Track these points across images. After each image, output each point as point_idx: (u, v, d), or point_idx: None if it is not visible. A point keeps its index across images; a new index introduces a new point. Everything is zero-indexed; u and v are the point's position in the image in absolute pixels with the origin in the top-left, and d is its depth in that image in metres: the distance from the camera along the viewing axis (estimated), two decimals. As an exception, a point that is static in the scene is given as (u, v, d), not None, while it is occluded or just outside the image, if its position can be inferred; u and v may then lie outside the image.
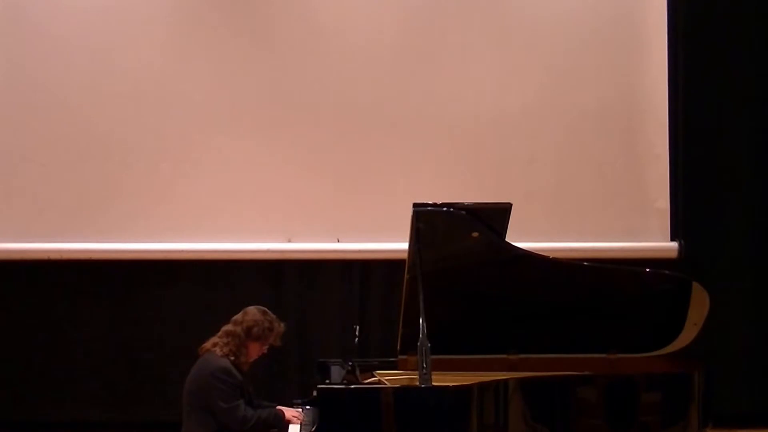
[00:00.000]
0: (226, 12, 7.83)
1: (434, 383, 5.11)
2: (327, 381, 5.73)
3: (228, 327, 5.70)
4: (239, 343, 5.62)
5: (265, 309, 5.76)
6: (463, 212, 5.45)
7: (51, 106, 7.75)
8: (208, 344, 5.68)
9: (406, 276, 5.53)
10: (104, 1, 7.79)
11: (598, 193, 7.86)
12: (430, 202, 5.45)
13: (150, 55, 7.79)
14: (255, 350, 5.70)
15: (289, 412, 5.69)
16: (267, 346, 5.76)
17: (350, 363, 5.83)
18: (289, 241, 7.76)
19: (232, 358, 5.59)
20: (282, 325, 5.76)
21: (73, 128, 7.75)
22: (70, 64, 7.76)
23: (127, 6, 7.79)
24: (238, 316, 5.72)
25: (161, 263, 7.74)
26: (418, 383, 5.12)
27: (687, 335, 5.87)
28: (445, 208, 5.44)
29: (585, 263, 5.86)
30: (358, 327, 6.03)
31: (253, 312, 5.71)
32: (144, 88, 7.78)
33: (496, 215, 5.54)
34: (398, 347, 5.73)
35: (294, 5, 7.85)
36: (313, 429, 5.22)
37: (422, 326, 5.14)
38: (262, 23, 7.84)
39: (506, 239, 5.60)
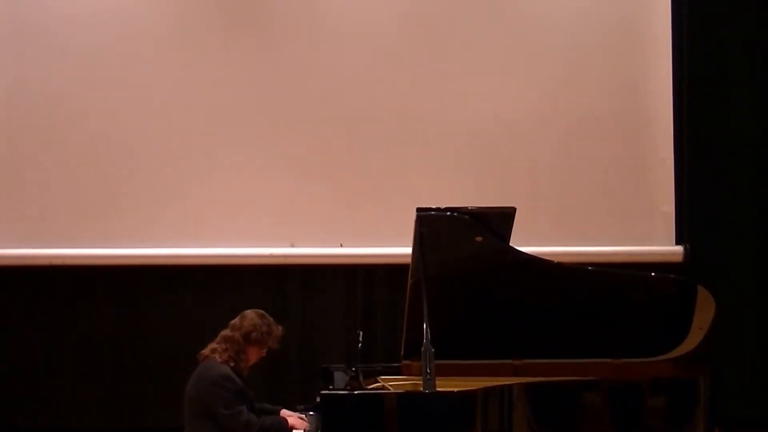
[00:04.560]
0: (230, 19, 7.83)
1: (438, 389, 5.10)
2: (330, 387, 5.72)
3: (226, 332, 5.68)
4: (238, 348, 5.61)
5: (263, 312, 5.75)
6: (467, 216, 5.43)
7: (53, 111, 7.75)
8: (206, 350, 5.66)
9: (409, 281, 5.52)
10: (107, 8, 7.78)
11: (602, 197, 7.84)
12: (433, 207, 5.42)
13: (154, 61, 7.78)
14: (254, 354, 5.69)
15: (292, 418, 5.66)
16: (266, 350, 5.74)
17: (354, 368, 5.82)
18: (292, 245, 7.75)
19: (232, 363, 5.57)
20: (280, 327, 5.74)
21: (75, 134, 7.75)
22: (74, 70, 7.76)
23: (130, 12, 7.78)
24: (235, 321, 5.70)
25: (164, 268, 7.73)
26: (422, 389, 5.10)
27: (692, 340, 5.84)
28: (448, 213, 5.42)
29: (590, 267, 5.84)
30: (361, 332, 6.02)
31: (251, 316, 5.69)
32: (147, 94, 7.77)
33: (500, 220, 5.52)
34: (402, 352, 5.70)
35: (297, 12, 7.84)
36: (317, 435, 5.22)
37: (426, 331, 5.12)
38: (266, 30, 7.83)
39: (510, 244, 5.58)
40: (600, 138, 7.87)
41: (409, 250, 5.48)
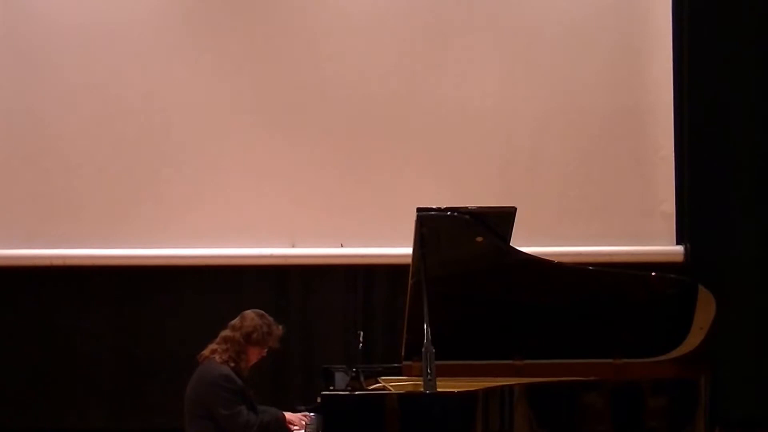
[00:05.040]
0: (229, 22, 7.82)
1: (439, 389, 5.09)
2: (331, 387, 5.72)
3: (226, 333, 5.67)
4: (239, 348, 5.60)
5: (263, 312, 5.74)
6: (467, 216, 5.42)
7: (53, 111, 7.74)
8: (206, 351, 5.66)
9: (410, 281, 5.51)
10: (107, 8, 7.76)
11: (603, 197, 7.83)
12: (433, 207, 5.42)
13: (153, 63, 7.77)
14: (254, 355, 5.68)
15: (292, 416, 5.66)
16: (266, 350, 5.74)
17: (354, 369, 5.81)
18: (293, 246, 7.74)
19: (232, 364, 5.57)
20: (280, 327, 5.74)
21: (75, 134, 7.74)
22: (73, 71, 7.75)
23: (131, 13, 7.77)
24: (235, 321, 5.70)
25: (165, 269, 7.72)
26: (422, 389, 5.10)
27: (693, 339, 5.83)
28: (448, 213, 5.42)
29: (590, 267, 5.84)
30: (362, 333, 6.01)
31: (251, 316, 5.68)
32: (148, 94, 7.76)
33: (501, 219, 5.52)
34: (402, 353, 5.70)
35: (297, 15, 7.82)
36: (318, 436, 5.21)
37: (427, 332, 5.12)
38: (265, 31, 7.82)
39: (511, 244, 5.57)
40: (600, 137, 7.86)
41: (409, 250, 5.48)
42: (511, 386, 5.23)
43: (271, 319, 5.72)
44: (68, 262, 7.67)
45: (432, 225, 5.39)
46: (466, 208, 5.45)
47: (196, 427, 5.51)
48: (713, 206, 7.87)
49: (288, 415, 5.69)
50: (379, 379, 5.78)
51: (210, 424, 5.47)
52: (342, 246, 7.74)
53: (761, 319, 7.90)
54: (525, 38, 7.87)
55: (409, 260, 5.49)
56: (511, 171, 7.81)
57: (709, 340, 5.75)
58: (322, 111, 7.79)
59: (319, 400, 5.36)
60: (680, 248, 7.78)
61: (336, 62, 7.81)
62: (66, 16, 7.76)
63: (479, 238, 5.46)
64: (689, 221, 7.82)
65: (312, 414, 5.70)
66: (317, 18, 7.83)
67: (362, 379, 5.68)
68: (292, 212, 7.73)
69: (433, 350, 5.08)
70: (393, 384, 5.67)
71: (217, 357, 5.58)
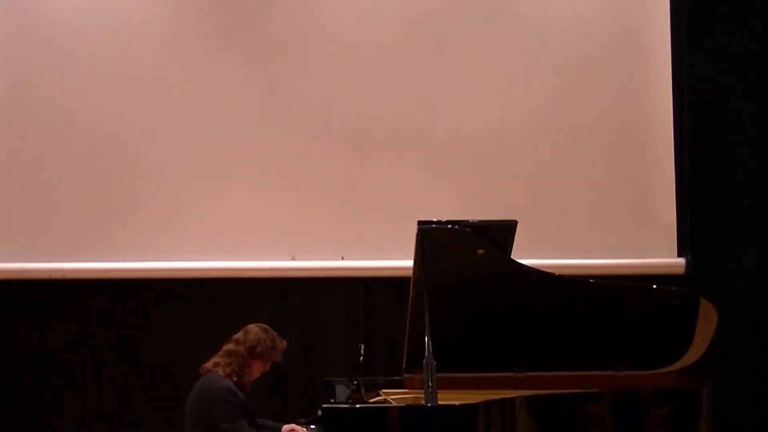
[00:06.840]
0: (229, 29, 7.82)
1: (440, 402, 5.08)
2: (332, 400, 5.71)
3: (229, 346, 5.67)
4: (242, 362, 5.60)
5: (266, 326, 5.75)
6: (468, 229, 5.42)
7: (53, 124, 7.73)
8: (209, 364, 5.65)
9: (411, 293, 5.50)
10: (109, 18, 7.77)
11: (604, 210, 7.82)
12: (434, 220, 5.41)
13: (156, 76, 7.76)
14: (258, 368, 5.68)
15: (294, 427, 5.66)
16: (269, 364, 5.73)
17: (355, 382, 5.81)
18: (293, 259, 7.73)
19: (235, 378, 5.56)
20: (284, 341, 5.74)
21: (75, 147, 7.73)
22: (74, 82, 7.74)
23: (133, 24, 7.77)
24: (239, 335, 5.70)
25: (165, 282, 7.70)
26: (424, 402, 5.09)
27: (695, 351, 5.84)
28: (450, 226, 5.41)
29: (591, 280, 5.83)
30: (363, 345, 6.01)
31: (254, 330, 5.69)
32: (148, 108, 7.76)
33: (502, 232, 5.52)
34: (404, 365, 5.69)
35: (295, 30, 7.82)
36: (318, 449, 5.21)
37: (428, 344, 5.11)
38: (265, 43, 7.82)
39: (512, 256, 5.57)
40: (601, 150, 7.86)
41: (410, 263, 5.47)
42: (512, 398, 5.22)
43: (274, 333, 5.72)
44: (67, 276, 7.65)
45: (433, 238, 5.39)
46: (468, 221, 5.45)
47: (196, 438, 5.52)
48: (714, 218, 7.86)
49: (287, 426, 5.67)
50: (380, 392, 5.78)
51: (210, 434, 5.47)
52: (343, 258, 7.73)
53: (763, 330, 7.90)
54: (526, 52, 7.88)
55: (410, 273, 5.48)
56: (512, 184, 7.80)
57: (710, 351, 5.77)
58: (323, 123, 7.79)
59: (319, 412, 5.36)
60: (681, 260, 7.77)
61: (337, 75, 7.81)
62: (68, 25, 7.75)
63: (480, 251, 5.46)
64: (690, 233, 7.81)
65: (312, 426, 5.68)
66: (317, 31, 7.84)
67: (363, 391, 5.68)
68: (293, 225, 7.72)
69: (435, 362, 5.08)
70: (394, 396, 5.66)
71: (220, 370, 5.57)
